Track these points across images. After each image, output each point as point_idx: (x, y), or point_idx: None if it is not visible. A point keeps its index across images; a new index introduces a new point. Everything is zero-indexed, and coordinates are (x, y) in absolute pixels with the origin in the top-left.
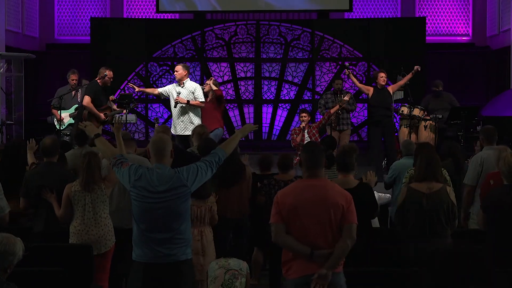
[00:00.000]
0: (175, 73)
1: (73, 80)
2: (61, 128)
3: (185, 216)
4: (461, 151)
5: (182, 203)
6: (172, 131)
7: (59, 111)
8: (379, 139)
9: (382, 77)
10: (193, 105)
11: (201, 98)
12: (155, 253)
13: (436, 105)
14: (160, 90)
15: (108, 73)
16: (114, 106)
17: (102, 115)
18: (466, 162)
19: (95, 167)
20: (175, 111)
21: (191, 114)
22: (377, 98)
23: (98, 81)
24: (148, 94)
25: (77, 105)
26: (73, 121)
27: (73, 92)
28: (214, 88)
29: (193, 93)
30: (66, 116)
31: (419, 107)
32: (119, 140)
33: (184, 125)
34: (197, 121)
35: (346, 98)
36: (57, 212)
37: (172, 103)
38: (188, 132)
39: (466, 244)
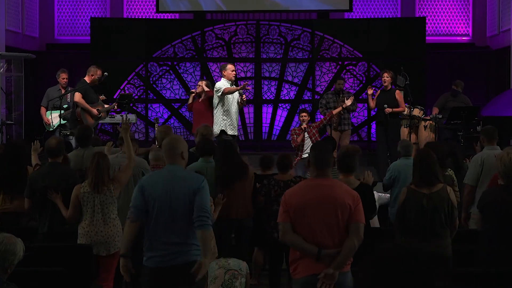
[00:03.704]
0: (232, 72)
1: (63, 79)
2: (51, 129)
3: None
4: (461, 151)
5: (189, 204)
6: (234, 132)
7: (47, 113)
8: (384, 138)
9: (383, 77)
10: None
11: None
12: (163, 256)
13: (454, 104)
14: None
15: (99, 72)
16: (106, 105)
17: (95, 110)
18: (465, 161)
19: (104, 168)
20: (236, 110)
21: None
22: (381, 99)
23: (87, 79)
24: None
25: (67, 105)
26: (63, 122)
27: (63, 91)
28: (207, 89)
29: (240, 95)
30: (56, 117)
31: (419, 107)
32: (128, 142)
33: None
34: None
35: (348, 102)
36: (64, 213)
37: (234, 102)
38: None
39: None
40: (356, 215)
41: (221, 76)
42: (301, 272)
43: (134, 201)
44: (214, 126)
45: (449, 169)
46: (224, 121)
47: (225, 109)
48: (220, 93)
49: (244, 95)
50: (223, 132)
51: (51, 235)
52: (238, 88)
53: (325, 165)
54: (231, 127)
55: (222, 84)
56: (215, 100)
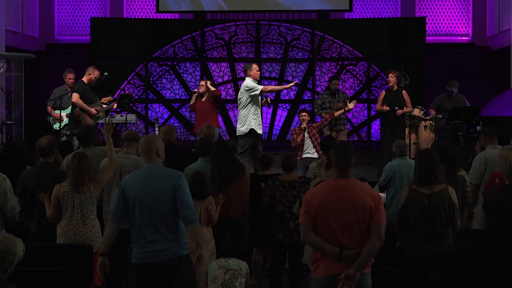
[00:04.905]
0: (258, 71)
1: (70, 79)
2: (58, 129)
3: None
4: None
5: (169, 201)
6: (261, 131)
7: (58, 111)
8: (389, 139)
9: (388, 77)
10: None
11: None
12: (148, 252)
13: (450, 105)
14: None
15: (96, 72)
16: (104, 105)
17: (93, 110)
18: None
19: (84, 169)
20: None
21: None
22: (389, 99)
23: (84, 79)
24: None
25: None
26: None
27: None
28: (213, 89)
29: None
30: (63, 116)
31: (419, 107)
32: (110, 143)
33: None
34: None
35: (351, 105)
36: (48, 212)
37: (260, 102)
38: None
39: (470, 244)
40: (377, 216)
41: (247, 76)
42: (322, 271)
43: (114, 201)
44: (241, 126)
45: (462, 169)
46: (254, 120)
47: (255, 108)
48: (257, 91)
49: (269, 97)
50: (252, 131)
51: (39, 235)
52: (285, 86)
53: (347, 165)
54: (259, 126)
55: (252, 83)
56: (246, 99)
